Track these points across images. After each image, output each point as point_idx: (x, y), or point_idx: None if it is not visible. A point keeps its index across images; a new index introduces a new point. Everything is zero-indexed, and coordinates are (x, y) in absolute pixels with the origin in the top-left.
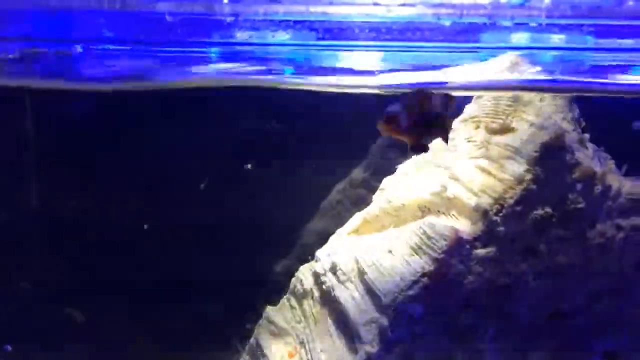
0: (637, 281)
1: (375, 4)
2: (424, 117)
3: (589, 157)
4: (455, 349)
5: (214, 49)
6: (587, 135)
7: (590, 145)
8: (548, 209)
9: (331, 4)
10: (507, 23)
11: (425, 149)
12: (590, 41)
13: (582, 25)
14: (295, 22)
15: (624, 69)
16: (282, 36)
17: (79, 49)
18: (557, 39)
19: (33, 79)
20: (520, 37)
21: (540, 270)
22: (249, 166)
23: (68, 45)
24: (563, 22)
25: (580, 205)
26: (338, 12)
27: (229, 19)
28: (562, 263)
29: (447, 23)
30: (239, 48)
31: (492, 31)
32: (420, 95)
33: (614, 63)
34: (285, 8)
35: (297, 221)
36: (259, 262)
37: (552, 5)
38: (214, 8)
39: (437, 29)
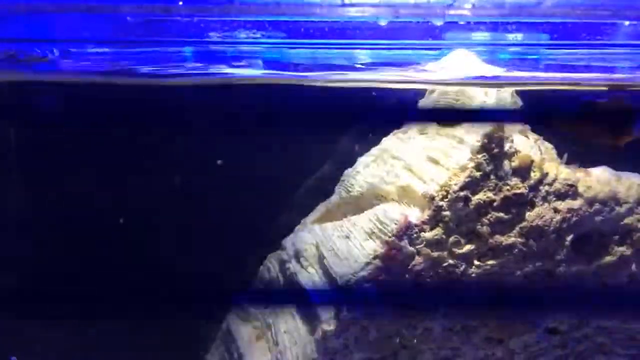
0: (573, 261)
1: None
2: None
3: (529, 146)
4: (407, 326)
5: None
6: (527, 126)
7: (531, 134)
8: (489, 194)
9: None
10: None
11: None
12: (544, 38)
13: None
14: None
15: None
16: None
17: (55, 52)
18: (512, 37)
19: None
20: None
21: (484, 252)
22: (219, 162)
23: (42, 46)
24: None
25: (519, 191)
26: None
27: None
28: (503, 245)
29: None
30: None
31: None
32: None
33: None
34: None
35: (271, 214)
36: (234, 256)
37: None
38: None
39: (402, 29)
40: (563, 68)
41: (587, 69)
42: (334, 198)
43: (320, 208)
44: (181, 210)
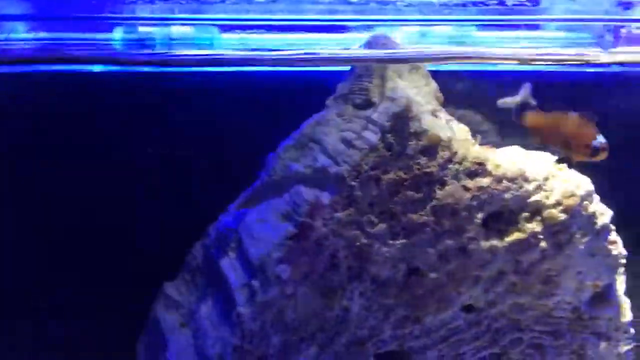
0: (483, 238)
1: None
2: None
3: (439, 126)
4: (324, 306)
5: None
6: (438, 106)
7: (443, 115)
8: (400, 173)
9: None
10: None
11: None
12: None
13: None
14: None
15: None
16: None
17: None
18: None
19: None
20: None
21: (397, 231)
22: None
23: None
24: None
25: (428, 170)
26: None
27: None
28: (415, 223)
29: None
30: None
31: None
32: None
33: None
34: None
35: (199, 202)
36: (162, 245)
37: None
38: None
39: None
40: None
41: None
42: (257, 183)
43: (245, 193)
44: (106, 200)
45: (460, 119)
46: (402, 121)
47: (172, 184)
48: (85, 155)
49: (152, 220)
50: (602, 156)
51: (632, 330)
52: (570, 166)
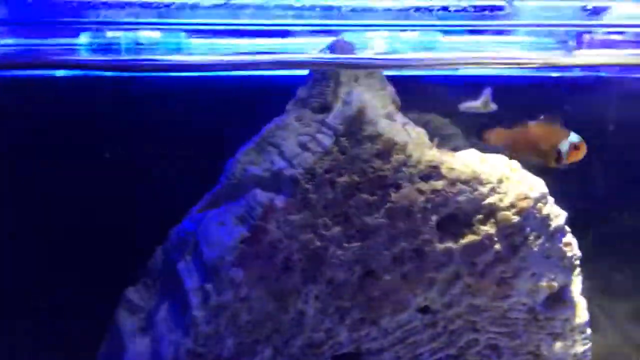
0: (438, 240)
1: None
2: None
3: (394, 129)
4: (279, 309)
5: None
6: (394, 110)
7: (399, 118)
8: (354, 177)
9: None
10: None
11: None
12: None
13: None
14: None
15: None
16: None
17: None
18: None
19: None
20: None
21: (351, 234)
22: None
23: None
24: None
25: (382, 173)
26: None
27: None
28: (370, 226)
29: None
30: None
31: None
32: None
33: None
34: None
35: (163, 206)
36: (127, 249)
37: None
38: None
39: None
40: None
41: None
42: (217, 187)
43: (206, 197)
44: (68, 203)
45: (426, 124)
46: (356, 125)
47: (137, 188)
48: (51, 159)
49: (118, 224)
50: (578, 155)
51: (589, 331)
52: (548, 173)
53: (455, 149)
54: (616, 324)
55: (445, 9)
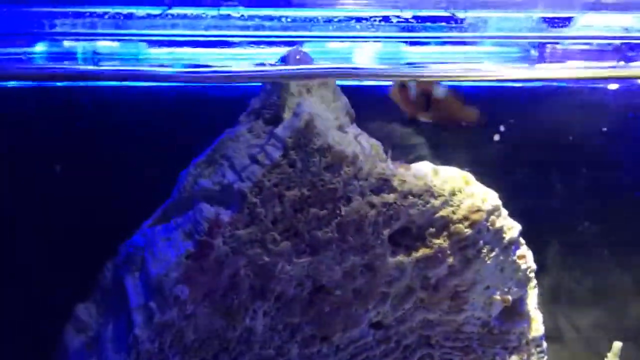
0: (390, 254)
1: None
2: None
3: (346, 142)
4: (226, 326)
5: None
6: (347, 122)
7: (351, 130)
8: (304, 190)
9: None
10: None
11: (417, 122)
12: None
13: None
14: None
15: None
16: None
17: None
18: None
19: None
20: None
21: (301, 249)
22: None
23: None
24: None
25: (332, 186)
26: None
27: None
28: (320, 241)
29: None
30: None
31: None
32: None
33: None
34: None
35: (115, 220)
36: (76, 265)
37: None
38: None
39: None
40: None
41: None
42: (168, 201)
43: (158, 211)
44: (17, 218)
45: (388, 134)
46: (305, 137)
47: (94, 201)
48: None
49: (70, 237)
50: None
51: (545, 344)
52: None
53: (419, 159)
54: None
55: (387, 19)
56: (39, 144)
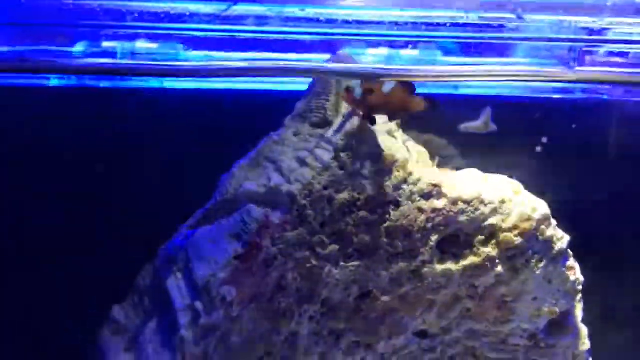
0: (438, 261)
1: None
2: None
3: (395, 146)
4: (271, 330)
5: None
6: (395, 128)
7: (400, 135)
8: (354, 194)
9: None
10: None
11: (372, 121)
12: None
13: None
14: None
15: None
16: None
17: None
18: None
19: None
20: None
21: (349, 253)
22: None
23: None
24: None
25: (382, 190)
26: None
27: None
28: (368, 245)
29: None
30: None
31: None
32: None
33: None
34: None
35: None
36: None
37: None
38: None
39: None
40: None
41: None
42: (210, 203)
43: (198, 213)
44: (52, 222)
45: (425, 144)
46: (356, 140)
47: (128, 204)
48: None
49: (110, 241)
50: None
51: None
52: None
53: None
54: None
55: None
56: (79, 145)
